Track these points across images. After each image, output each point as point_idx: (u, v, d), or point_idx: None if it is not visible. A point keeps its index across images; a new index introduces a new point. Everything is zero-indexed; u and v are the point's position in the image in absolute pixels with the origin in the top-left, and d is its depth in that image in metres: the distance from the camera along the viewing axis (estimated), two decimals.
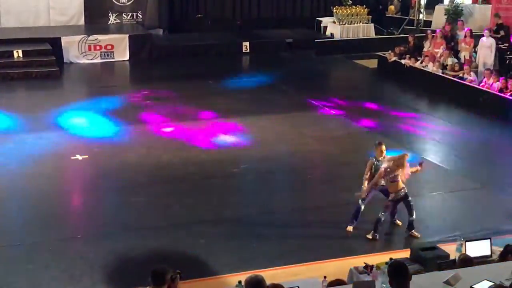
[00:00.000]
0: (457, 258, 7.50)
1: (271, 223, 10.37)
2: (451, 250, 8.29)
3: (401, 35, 22.49)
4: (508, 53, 17.54)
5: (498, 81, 15.86)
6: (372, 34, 23.43)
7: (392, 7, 25.63)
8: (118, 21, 22.51)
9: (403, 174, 9.68)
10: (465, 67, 17.03)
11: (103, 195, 11.29)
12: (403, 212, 9.99)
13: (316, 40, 22.55)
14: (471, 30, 18.47)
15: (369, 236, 9.78)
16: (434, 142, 14.33)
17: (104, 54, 20.50)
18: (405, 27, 23.51)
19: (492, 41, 17.24)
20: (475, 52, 17.78)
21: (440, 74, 17.49)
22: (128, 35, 20.97)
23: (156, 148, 13.43)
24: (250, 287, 5.58)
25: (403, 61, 18.64)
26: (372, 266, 7.62)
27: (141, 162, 12.68)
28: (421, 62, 18.29)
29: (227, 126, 14.81)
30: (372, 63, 20.57)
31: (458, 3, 22.03)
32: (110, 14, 22.38)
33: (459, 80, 16.86)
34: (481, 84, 16.33)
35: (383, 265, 7.10)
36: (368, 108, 16.40)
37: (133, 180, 11.90)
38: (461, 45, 18.13)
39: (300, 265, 9.04)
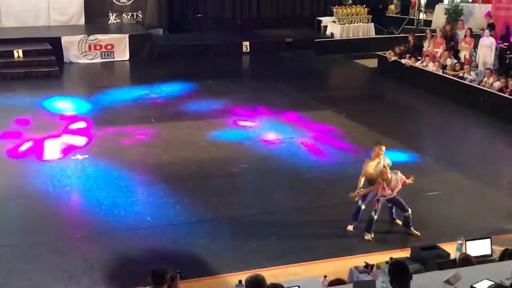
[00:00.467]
0: (457, 257, 7.50)
1: (271, 223, 10.37)
2: (451, 249, 8.29)
3: (401, 35, 22.48)
4: (508, 52, 17.53)
5: (498, 80, 15.86)
6: (372, 34, 23.43)
7: (392, 7, 25.63)
8: (118, 21, 22.51)
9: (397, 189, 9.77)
10: (465, 66, 17.03)
11: (103, 194, 11.28)
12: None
13: (316, 40, 22.54)
14: (471, 30, 18.47)
15: (367, 238, 9.78)
16: (434, 141, 14.33)
17: (104, 54, 20.50)
18: (405, 26, 23.50)
19: (492, 41, 17.23)
20: (475, 51, 17.78)
21: (440, 73, 17.49)
22: (128, 35, 20.97)
23: (156, 147, 13.43)
24: (251, 287, 5.58)
25: (403, 61, 18.64)
26: (372, 266, 7.62)
27: (141, 162, 12.68)
28: (422, 62, 18.29)
29: (227, 125, 14.81)
30: (372, 63, 20.56)
31: (458, 2, 22.02)
32: (110, 14, 22.37)
33: (459, 80, 16.86)
34: (481, 84, 16.33)
35: (383, 264, 7.11)
36: (365, 108, 16.41)
37: (133, 179, 11.90)
38: (461, 44, 18.13)
39: (300, 265, 9.04)
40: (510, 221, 10.42)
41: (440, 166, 12.78)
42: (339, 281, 6.86)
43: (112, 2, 22.30)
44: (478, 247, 8.04)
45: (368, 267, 7.68)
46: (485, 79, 16.28)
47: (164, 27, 22.70)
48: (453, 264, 7.42)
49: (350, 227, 10.04)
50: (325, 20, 23.82)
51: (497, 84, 15.84)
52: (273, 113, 15.66)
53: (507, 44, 17.79)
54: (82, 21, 21.98)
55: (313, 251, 9.43)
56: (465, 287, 5.98)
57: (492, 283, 5.84)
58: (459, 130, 15.35)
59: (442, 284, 6.07)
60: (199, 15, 23.57)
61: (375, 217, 9.79)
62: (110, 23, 22.40)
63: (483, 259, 7.69)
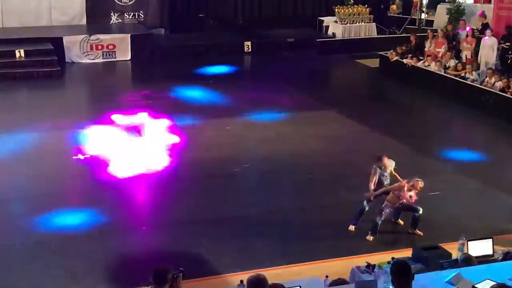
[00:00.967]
0: (459, 257, 7.50)
1: (272, 223, 10.36)
2: (453, 249, 8.28)
3: (403, 35, 22.48)
4: (510, 52, 17.52)
5: (500, 80, 15.85)
6: (374, 34, 23.42)
7: (394, 7, 25.63)
8: (120, 20, 22.53)
9: (410, 196, 9.74)
10: (467, 66, 17.02)
11: (104, 194, 11.29)
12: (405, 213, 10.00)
13: (318, 40, 22.55)
14: (473, 30, 18.45)
15: (369, 238, 9.77)
16: (435, 141, 14.31)
17: (106, 54, 20.51)
18: (407, 26, 23.49)
19: (494, 41, 17.23)
20: (477, 51, 17.77)
21: (442, 73, 17.48)
22: (130, 34, 20.98)
23: (157, 147, 13.42)
24: (252, 287, 5.58)
25: (405, 61, 18.63)
26: (374, 266, 7.60)
27: (143, 162, 12.68)
28: (423, 62, 18.28)
29: (228, 125, 14.81)
30: (374, 63, 20.56)
31: (460, 2, 22.02)
32: (112, 14, 22.40)
33: (461, 80, 16.85)
34: (483, 84, 16.32)
35: (385, 264, 7.09)
36: (367, 107, 16.41)
37: (134, 179, 11.90)
38: (463, 44, 18.12)
39: (302, 265, 9.03)
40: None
41: (441, 166, 12.76)
42: (341, 281, 6.86)
43: (114, 2, 22.32)
44: (480, 247, 8.03)
45: (370, 267, 7.66)
46: (487, 79, 16.27)
47: (165, 27, 22.73)
48: (455, 264, 7.41)
49: (352, 227, 10.03)
50: (327, 20, 23.83)
51: (499, 84, 15.82)
52: (274, 113, 15.65)
53: (508, 44, 17.77)
54: (84, 21, 22.01)
55: (315, 251, 9.42)
56: (467, 287, 5.98)
57: (494, 283, 5.84)
58: (461, 130, 15.35)
59: (444, 284, 6.07)
60: (201, 15, 23.58)
61: (379, 222, 9.78)
62: (112, 23, 22.43)
63: (485, 259, 7.69)
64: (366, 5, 23.60)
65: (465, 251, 7.89)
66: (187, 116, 15.33)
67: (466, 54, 17.85)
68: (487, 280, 6.02)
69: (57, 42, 19.83)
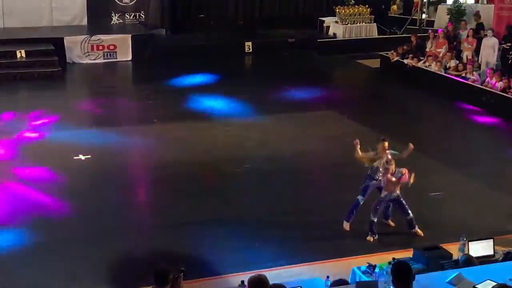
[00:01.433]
0: (460, 258, 7.50)
1: (273, 223, 10.36)
2: (454, 250, 8.28)
3: (403, 35, 22.48)
4: (511, 52, 17.52)
5: (501, 80, 15.85)
6: (375, 34, 23.42)
7: (394, 7, 25.63)
8: (121, 21, 22.53)
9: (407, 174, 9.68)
10: (468, 66, 17.02)
11: (105, 195, 11.29)
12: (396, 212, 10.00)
13: (318, 40, 22.55)
14: (473, 30, 18.44)
15: (369, 239, 9.77)
16: (436, 141, 14.31)
17: (107, 54, 20.52)
18: (407, 26, 23.49)
19: (494, 41, 17.23)
20: (477, 51, 17.77)
21: (443, 74, 17.48)
22: (130, 35, 20.98)
23: (158, 147, 13.44)
24: (253, 287, 5.58)
25: (405, 61, 18.63)
26: (375, 266, 7.61)
27: (144, 162, 12.70)
28: (424, 62, 18.28)
29: (229, 125, 14.82)
30: (375, 63, 20.56)
31: (461, 2, 22.02)
32: (112, 14, 22.40)
33: (462, 80, 16.85)
34: (484, 84, 16.32)
35: (386, 265, 7.10)
36: (368, 108, 16.41)
37: (136, 179, 11.92)
38: (464, 44, 18.12)
39: (303, 265, 9.04)
40: None
41: (442, 166, 12.76)
42: (342, 282, 6.86)
43: (115, 2, 22.33)
44: (481, 248, 8.03)
45: (371, 268, 7.67)
46: (488, 79, 16.27)
47: (166, 27, 22.73)
48: (456, 264, 7.41)
49: (346, 225, 10.01)
50: (328, 20, 23.83)
51: (500, 84, 15.82)
52: (275, 113, 15.66)
53: (509, 44, 17.77)
54: (84, 21, 22.01)
55: (316, 251, 9.42)
56: None
57: (495, 283, 5.85)
58: (462, 130, 15.33)
59: (444, 285, 6.07)
60: (202, 16, 23.59)
61: (375, 219, 9.77)
62: (113, 23, 22.43)
63: (485, 260, 7.69)
64: (367, 6, 23.59)
65: (466, 252, 7.89)
66: (187, 116, 15.35)
67: (467, 54, 17.85)
68: (488, 281, 6.02)
69: (58, 43, 19.84)
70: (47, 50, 19.41)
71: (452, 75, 17.23)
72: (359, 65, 21.31)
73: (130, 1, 22.50)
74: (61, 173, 12.10)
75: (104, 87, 18.29)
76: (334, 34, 23.19)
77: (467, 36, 18.13)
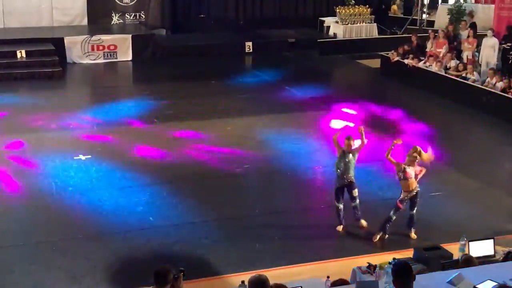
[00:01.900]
0: (460, 258, 7.49)
1: (274, 223, 10.36)
2: (454, 250, 8.28)
3: (404, 35, 22.48)
4: (511, 52, 17.51)
5: (501, 81, 15.84)
6: (375, 34, 23.42)
7: (395, 7, 25.63)
8: (121, 21, 22.54)
9: (418, 169, 9.68)
10: (468, 66, 17.01)
11: (106, 195, 11.29)
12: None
13: (319, 40, 22.55)
14: (474, 30, 18.43)
15: (377, 237, 9.76)
16: (436, 142, 14.29)
17: (107, 54, 20.52)
18: (408, 27, 23.49)
19: (495, 41, 17.22)
20: (478, 51, 17.77)
21: (443, 74, 17.47)
22: (131, 35, 21.00)
23: (159, 147, 13.43)
24: (254, 287, 5.58)
25: (406, 61, 18.62)
26: (375, 266, 7.61)
27: (144, 162, 12.69)
28: (425, 62, 18.27)
29: (230, 126, 14.81)
30: (375, 63, 20.55)
31: (461, 3, 22.02)
32: (113, 14, 22.41)
33: (462, 80, 16.85)
34: (484, 84, 16.31)
35: (386, 265, 7.09)
36: (370, 108, 16.41)
37: (136, 179, 11.91)
38: (464, 45, 18.12)
39: (303, 265, 9.04)
40: None
41: (442, 166, 12.74)
42: (342, 282, 6.85)
43: (115, 2, 22.34)
44: (481, 248, 8.03)
45: (371, 268, 7.67)
46: (488, 79, 16.26)
47: (167, 27, 22.73)
48: (456, 264, 7.40)
49: (339, 228, 10.01)
50: (328, 20, 23.83)
51: (500, 85, 15.82)
52: (276, 113, 15.66)
53: (510, 44, 17.77)
54: (85, 21, 22.03)
55: (316, 251, 9.43)
56: None
57: (495, 283, 5.84)
58: (462, 130, 15.33)
59: (445, 285, 6.07)
60: (202, 16, 23.59)
61: (394, 217, 9.75)
62: (113, 23, 22.44)
63: (486, 260, 7.68)
64: (367, 6, 23.59)
65: (466, 252, 7.89)
66: (188, 116, 15.35)
67: (467, 54, 17.85)
68: (488, 281, 6.01)
69: (59, 43, 19.85)
70: (48, 50, 19.42)
71: (452, 75, 17.23)
72: (359, 65, 21.31)
73: (131, 1, 22.50)
74: (62, 173, 12.10)
75: (104, 87, 18.29)
76: (335, 34, 23.19)
77: (468, 36, 18.13)
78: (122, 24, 22.50)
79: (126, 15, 22.57)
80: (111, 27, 22.20)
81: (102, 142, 13.68)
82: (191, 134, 14.21)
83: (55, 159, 12.72)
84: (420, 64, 18.31)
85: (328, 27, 23.62)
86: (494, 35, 17.36)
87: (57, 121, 14.88)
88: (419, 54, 18.76)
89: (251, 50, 22.09)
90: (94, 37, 20.32)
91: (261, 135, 14.27)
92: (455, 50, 18.29)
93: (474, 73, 16.78)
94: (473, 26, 19.17)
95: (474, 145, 14.27)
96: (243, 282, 6.33)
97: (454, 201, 11.34)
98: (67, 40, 20.13)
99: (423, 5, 23.92)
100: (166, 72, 19.65)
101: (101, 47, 20.41)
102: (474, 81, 16.64)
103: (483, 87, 16.28)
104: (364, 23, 23.23)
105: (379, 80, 19.85)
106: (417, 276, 5.69)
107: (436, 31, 19.22)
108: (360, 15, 23.25)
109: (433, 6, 24.19)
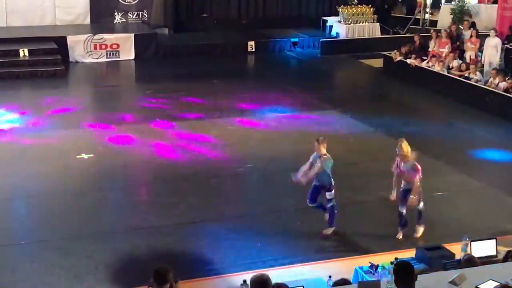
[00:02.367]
0: (462, 258, 7.48)
1: (276, 223, 10.36)
2: (456, 250, 8.27)
3: (406, 35, 22.45)
4: None
5: (504, 81, 15.82)
6: (378, 34, 23.38)
7: (398, 7, 25.60)
8: (124, 20, 22.52)
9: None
10: (471, 66, 16.99)
11: (108, 194, 11.30)
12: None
13: (321, 40, 22.53)
14: (477, 30, 18.42)
15: (400, 236, 9.76)
16: (438, 142, 14.29)
17: (110, 53, 20.51)
18: (410, 26, 23.46)
19: (498, 41, 17.20)
20: (481, 51, 17.75)
21: (446, 74, 17.45)
22: (133, 34, 20.98)
23: (161, 147, 13.43)
24: (256, 286, 5.58)
25: (408, 61, 18.60)
26: (377, 266, 7.61)
27: (146, 161, 12.70)
28: (427, 62, 18.25)
29: (232, 125, 14.81)
30: (378, 63, 20.52)
31: (464, 2, 21.99)
32: (115, 13, 22.40)
33: (465, 80, 16.83)
34: (487, 84, 16.29)
35: (388, 264, 7.08)
36: (371, 108, 16.40)
37: (138, 179, 11.92)
38: (467, 44, 18.10)
39: (305, 265, 9.03)
40: None
41: (445, 166, 12.74)
42: (344, 281, 6.85)
43: (118, 1, 22.31)
44: (483, 248, 8.02)
45: (373, 267, 7.67)
46: (491, 79, 16.24)
47: (169, 26, 22.71)
48: (458, 264, 7.40)
49: (328, 230, 9.96)
50: (331, 20, 23.79)
51: (503, 85, 15.79)
52: (278, 113, 15.66)
53: None
54: (87, 20, 22.01)
55: (318, 251, 9.42)
56: None
57: (497, 283, 5.83)
58: (464, 130, 15.30)
59: (447, 285, 6.06)
60: (204, 15, 23.58)
61: (404, 211, 9.75)
62: (116, 22, 22.43)
63: (488, 260, 7.67)
64: (370, 5, 23.57)
65: (469, 252, 7.87)
66: (190, 115, 15.34)
67: (470, 54, 17.83)
68: (490, 281, 6.00)
69: (61, 42, 19.84)
70: (50, 49, 19.40)
71: (455, 75, 17.21)
72: (362, 65, 21.28)
73: (133, 0, 22.49)
74: (64, 172, 12.10)
75: (106, 86, 18.30)
76: (337, 33, 23.16)
77: (470, 36, 18.11)
78: (125, 23, 22.49)
79: (129, 14, 22.55)
80: (113, 26, 22.19)
81: (105, 141, 13.66)
82: (192, 133, 14.20)
83: (57, 157, 12.72)
84: (423, 64, 18.29)
85: (331, 27, 23.58)
86: (497, 35, 17.34)
87: (57, 120, 14.89)
88: (422, 54, 18.73)
89: (253, 50, 22.06)
90: (96, 36, 20.32)
91: (263, 134, 14.26)
92: (458, 50, 18.27)
93: (477, 73, 16.76)
94: (473, 26, 19.11)
95: (475, 145, 14.24)
96: (244, 281, 6.32)
97: (456, 201, 11.33)
98: (69, 39, 20.12)
99: (425, 5, 23.88)
100: (168, 71, 19.64)
101: (103, 46, 20.40)
102: (476, 81, 16.62)
103: (485, 87, 16.27)
104: (366, 23, 23.19)
105: (382, 80, 19.83)
106: (419, 276, 5.69)
107: (438, 31, 19.20)
108: (362, 14, 23.21)
109: (436, 5, 24.14)
